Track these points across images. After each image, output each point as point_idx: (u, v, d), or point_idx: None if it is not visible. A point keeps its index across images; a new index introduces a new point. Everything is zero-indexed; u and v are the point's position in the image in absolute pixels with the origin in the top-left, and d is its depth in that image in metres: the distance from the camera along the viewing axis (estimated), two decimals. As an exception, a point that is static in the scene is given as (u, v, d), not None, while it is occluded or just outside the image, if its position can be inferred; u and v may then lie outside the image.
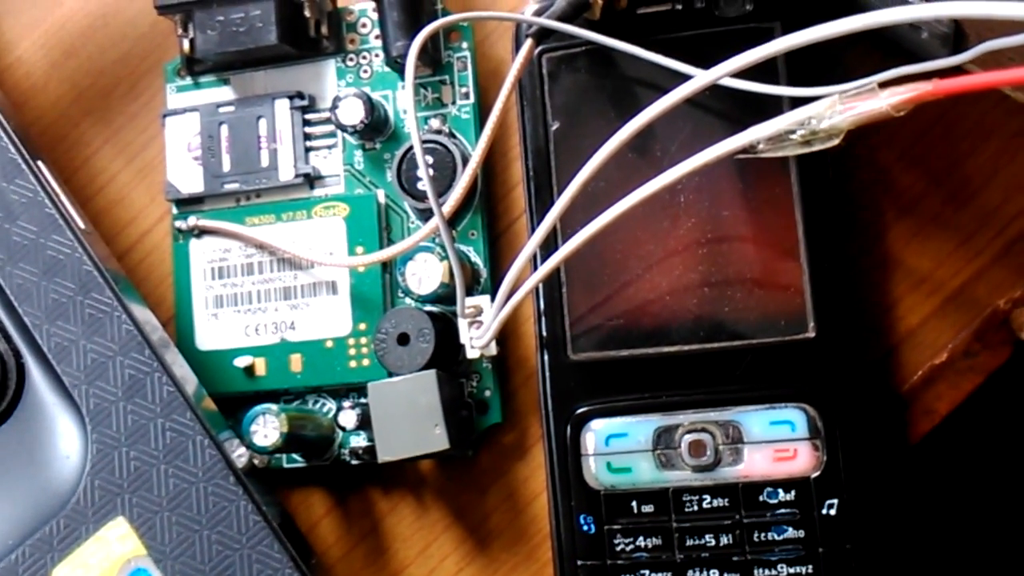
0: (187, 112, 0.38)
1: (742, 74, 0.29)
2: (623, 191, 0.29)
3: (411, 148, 0.36)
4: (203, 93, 0.39)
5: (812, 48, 0.27)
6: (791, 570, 0.32)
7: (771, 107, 0.31)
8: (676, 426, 0.33)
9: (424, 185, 0.34)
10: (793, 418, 0.32)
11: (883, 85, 0.28)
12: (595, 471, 0.33)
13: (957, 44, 0.29)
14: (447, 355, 0.35)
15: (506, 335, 0.36)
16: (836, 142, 0.28)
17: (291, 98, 0.37)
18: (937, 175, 0.35)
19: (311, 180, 0.37)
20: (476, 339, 0.34)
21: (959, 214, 0.34)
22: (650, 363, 0.33)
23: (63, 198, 0.35)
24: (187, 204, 0.38)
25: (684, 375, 0.33)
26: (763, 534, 0.32)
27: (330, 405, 0.37)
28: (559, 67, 0.35)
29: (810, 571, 0.32)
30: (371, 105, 0.36)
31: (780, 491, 0.32)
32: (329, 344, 0.36)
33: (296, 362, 0.37)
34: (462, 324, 0.34)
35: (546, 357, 0.34)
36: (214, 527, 0.32)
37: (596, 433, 0.33)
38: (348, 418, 0.36)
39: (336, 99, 0.36)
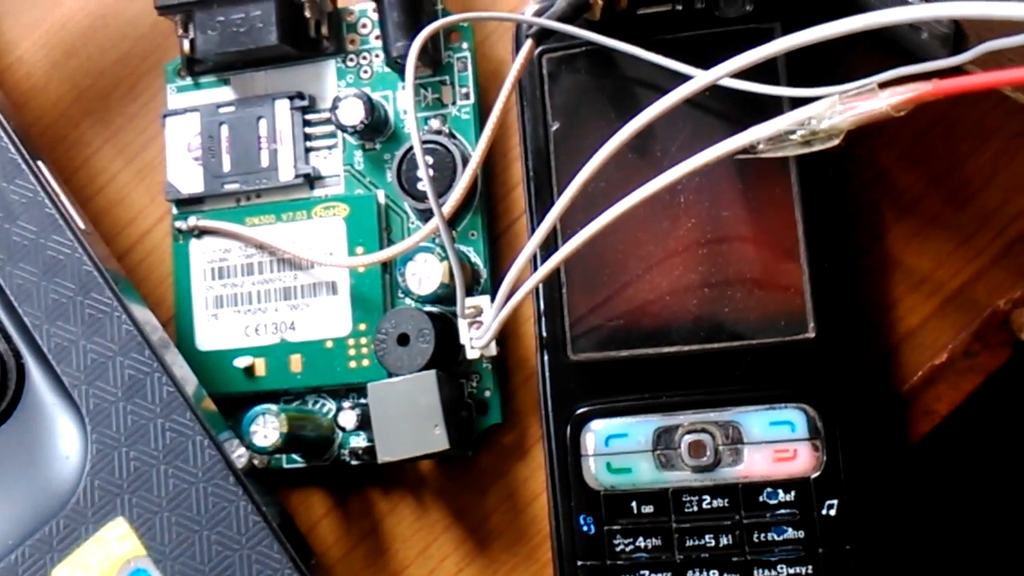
0: (187, 112, 0.38)
1: (742, 74, 0.29)
2: (623, 191, 0.29)
3: (411, 148, 0.36)
4: (203, 93, 0.39)
5: (812, 48, 0.27)
6: (791, 570, 0.32)
7: (771, 107, 0.31)
8: (676, 426, 0.33)
9: (424, 185, 0.34)
10: (793, 418, 0.32)
11: (883, 85, 0.28)
12: (595, 471, 0.33)
13: (957, 45, 0.29)
14: (447, 355, 0.35)
15: (506, 335, 0.36)
16: (836, 142, 0.28)
17: (291, 98, 0.37)
18: (937, 176, 0.35)
19: (311, 180, 0.37)
20: (476, 339, 0.34)
21: (959, 215, 0.34)
22: (650, 363, 0.33)
23: (63, 198, 0.35)
24: (187, 204, 0.38)
25: (684, 375, 0.33)
26: (763, 534, 0.32)
27: (330, 405, 0.37)
28: (559, 67, 0.35)
29: (810, 571, 0.32)
30: (371, 105, 0.36)
31: (780, 491, 0.32)
32: (329, 344, 0.36)
33: (296, 362, 0.37)
34: (462, 324, 0.34)
35: (546, 357, 0.34)
36: (214, 527, 0.32)
37: (596, 433, 0.33)
38: (348, 418, 0.36)
39: (336, 99, 0.36)
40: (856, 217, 0.35)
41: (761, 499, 0.32)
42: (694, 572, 0.32)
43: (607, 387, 0.33)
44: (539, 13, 0.33)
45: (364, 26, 0.38)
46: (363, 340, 0.36)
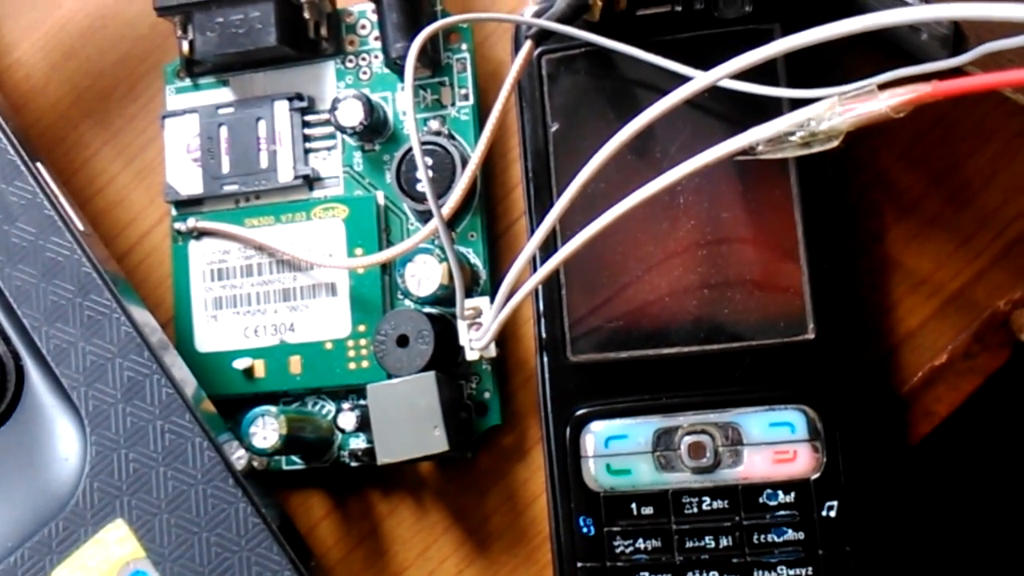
0: (186, 114, 0.38)
1: (741, 76, 0.29)
2: (623, 192, 0.29)
3: (410, 150, 0.36)
4: (202, 95, 0.39)
5: (811, 50, 0.27)
6: (791, 572, 0.32)
7: (771, 109, 0.31)
8: (676, 428, 0.33)
9: (423, 187, 0.34)
10: (793, 420, 0.32)
11: (882, 87, 0.28)
12: (595, 473, 0.33)
13: (957, 46, 0.29)
14: (446, 357, 0.35)
15: (505, 337, 0.36)
16: (836, 144, 0.28)
17: (290, 100, 0.37)
18: (937, 177, 0.35)
19: (310, 182, 0.37)
20: (475, 341, 0.34)
21: (959, 216, 0.34)
22: (650, 365, 0.33)
23: (62, 200, 0.35)
24: (186, 206, 0.38)
25: (684, 377, 0.33)
26: (763, 536, 0.32)
27: (329, 407, 0.37)
28: (558, 68, 0.35)
29: (810, 573, 0.32)
30: (370, 106, 0.36)
31: (780, 493, 0.32)
32: (328, 346, 0.36)
33: (295, 364, 0.37)
34: (461, 326, 0.34)
35: (545, 359, 0.34)
36: (213, 529, 0.32)
37: (596, 435, 0.33)
38: (347, 420, 0.36)
39: (335, 100, 0.36)
40: (856, 218, 0.35)
41: (761, 500, 0.32)
42: (694, 573, 0.32)
43: (607, 388, 0.33)
44: (538, 14, 0.33)
45: (363, 27, 0.38)
46: (362, 341, 0.36)
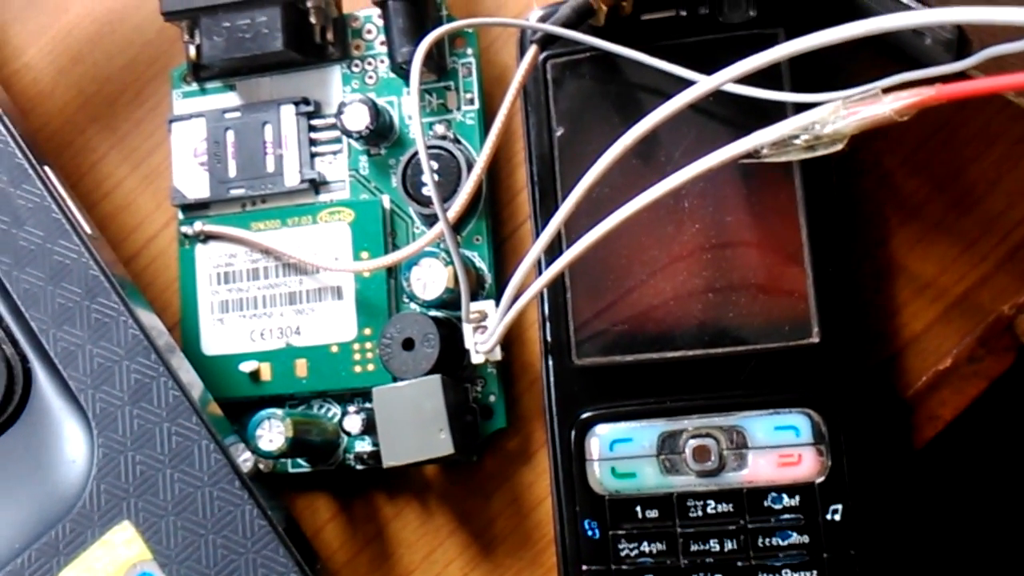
0: (193, 118, 0.38)
1: (746, 80, 0.29)
2: (627, 196, 0.29)
3: (416, 154, 0.36)
4: (209, 99, 0.39)
5: (815, 54, 0.27)
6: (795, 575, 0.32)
7: (775, 113, 0.31)
8: (680, 431, 0.33)
9: (429, 190, 0.34)
10: (797, 423, 0.32)
11: (886, 90, 0.28)
12: (599, 476, 0.33)
13: (960, 50, 0.29)
14: (452, 360, 0.35)
15: (511, 340, 0.36)
16: (840, 147, 0.28)
17: (297, 104, 0.38)
18: (941, 181, 0.35)
19: (316, 185, 0.38)
20: (481, 344, 0.34)
21: (963, 220, 0.34)
22: (654, 368, 0.33)
23: (70, 203, 0.35)
24: (193, 209, 0.38)
25: (688, 380, 0.33)
26: (767, 539, 0.32)
27: (335, 410, 0.37)
28: (563, 73, 0.35)
29: (814, 576, 0.32)
30: (376, 111, 0.36)
31: (784, 496, 0.32)
32: (334, 349, 0.37)
33: (301, 367, 0.37)
34: (467, 329, 0.34)
35: (550, 362, 0.34)
36: (219, 531, 0.32)
37: (600, 438, 0.33)
38: (353, 423, 0.36)
39: (341, 105, 0.36)
40: (860, 222, 0.35)
41: (765, 504, 0.32)
42: (698, 577, 0.32)
43: (611, 392, 0.33)
44: (543, 19, 0.34)
45: (369, 32, 0.38)
46: (368, 345, 0.36)
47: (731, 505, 0.32)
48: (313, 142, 0.38)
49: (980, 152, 0.34)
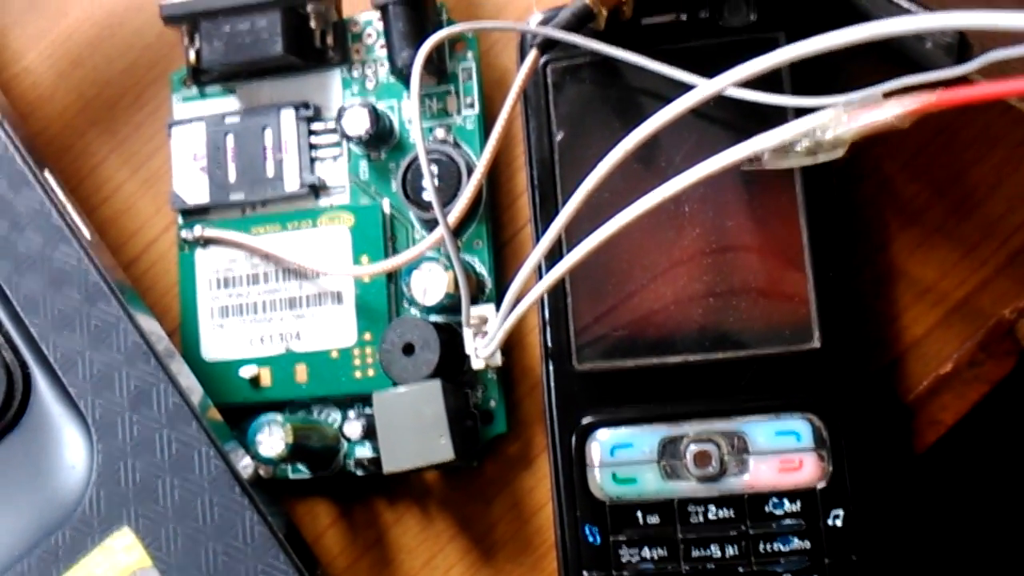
0: (193, 122, 0.38)
1: (747, 84, 0.29)
2: (628, 201, 0.29)
3: (416, 158, 0.36)
4: (209, 103, 0.39)
5: (816, 58, 0.27)
6: (797, 581, 0.32)
7: (775, 117, 0.31)
8: (681, 436, 0.33)
9: (429, 195, 0.34)
10: (799, 428, 0.32)
11: (887, 95, 0.28)
12: (600, 481, 0.33)
13: (961, 54, 0.29)
14: (452, 365, 0.35)
15: (511, 345, 0.36)
16: (841, 153, 0.28)
17: (296, 108, 0.38)
18: (941, 185, 0.35)
19: (316, 190, 0.38)
20: (481, 349, 0.34)
21: (963, 224, 0.34)
22: (655, 373, 0.33)
23: (69, 208, 0.35)
24: (193, 214, 0.38)
25: (689, 385, 0.33)
26: (769, 545, 0.32)
27: (335, 415, 0.37)
28: (564, 77, 0.35)
29: (816, 582, 0.32)
30: (376, 115, 0.36)
31: (786, 502, 0.32)
32: (334, 354, 0.36)
33: (301, 372, 0.37)
34: (467, 334, 0.34)
35: (551, 367, 0.34)
36: (220, 537, 0.32)
37: (601, 443, 0.33)
38: (353, 428, 0.36)
39: (341, 109, 0.36)
40: (860, 227, 0.35)
41: (767, 509, 0.32)
42: (700, 582, 0.32)
43: (612, 397, 0.33)
44: (544, 23, 0.34)
45: (369, 36, 0.38)
46: (368, 350, 0.36)
47: (732, 511, 0.32)
48: (313, 146, 0.38)
49: (980, 156, 0.34)
